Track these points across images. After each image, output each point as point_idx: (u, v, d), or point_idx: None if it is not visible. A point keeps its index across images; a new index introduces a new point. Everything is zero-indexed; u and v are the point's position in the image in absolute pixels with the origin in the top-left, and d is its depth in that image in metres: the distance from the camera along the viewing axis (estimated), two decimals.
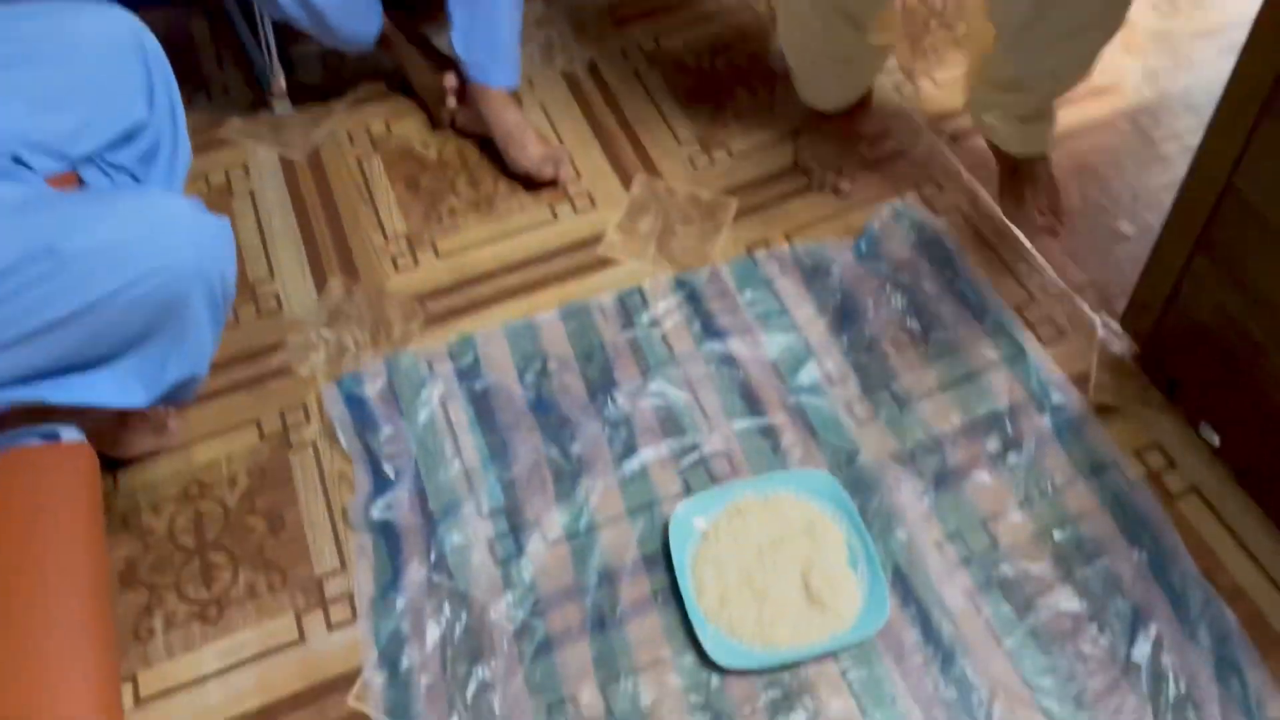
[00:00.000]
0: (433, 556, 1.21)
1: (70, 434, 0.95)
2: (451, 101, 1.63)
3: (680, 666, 1.12)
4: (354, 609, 1.18)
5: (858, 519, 1.20)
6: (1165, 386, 1.31)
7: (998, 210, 1.52)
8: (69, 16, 1.09)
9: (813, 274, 1.46)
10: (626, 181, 1.59)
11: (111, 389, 1.01)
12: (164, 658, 1.15)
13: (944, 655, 1.12)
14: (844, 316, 1.41)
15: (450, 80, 1.61)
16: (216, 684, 1.14)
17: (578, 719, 1.09)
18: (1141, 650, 1.11)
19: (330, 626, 1.17)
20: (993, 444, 1.28)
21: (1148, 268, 1.27)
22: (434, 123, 1.68)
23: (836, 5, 1.34)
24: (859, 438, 1.29)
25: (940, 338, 1.38)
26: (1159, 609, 1.14)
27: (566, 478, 1.27)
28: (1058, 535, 1.20)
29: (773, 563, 1.17)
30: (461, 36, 1.53)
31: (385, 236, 1.54)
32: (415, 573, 1.19)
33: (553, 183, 1.58)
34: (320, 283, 1.48)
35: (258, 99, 1.72)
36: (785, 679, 1.11)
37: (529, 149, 1.56)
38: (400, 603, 1.17)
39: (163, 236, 0.97)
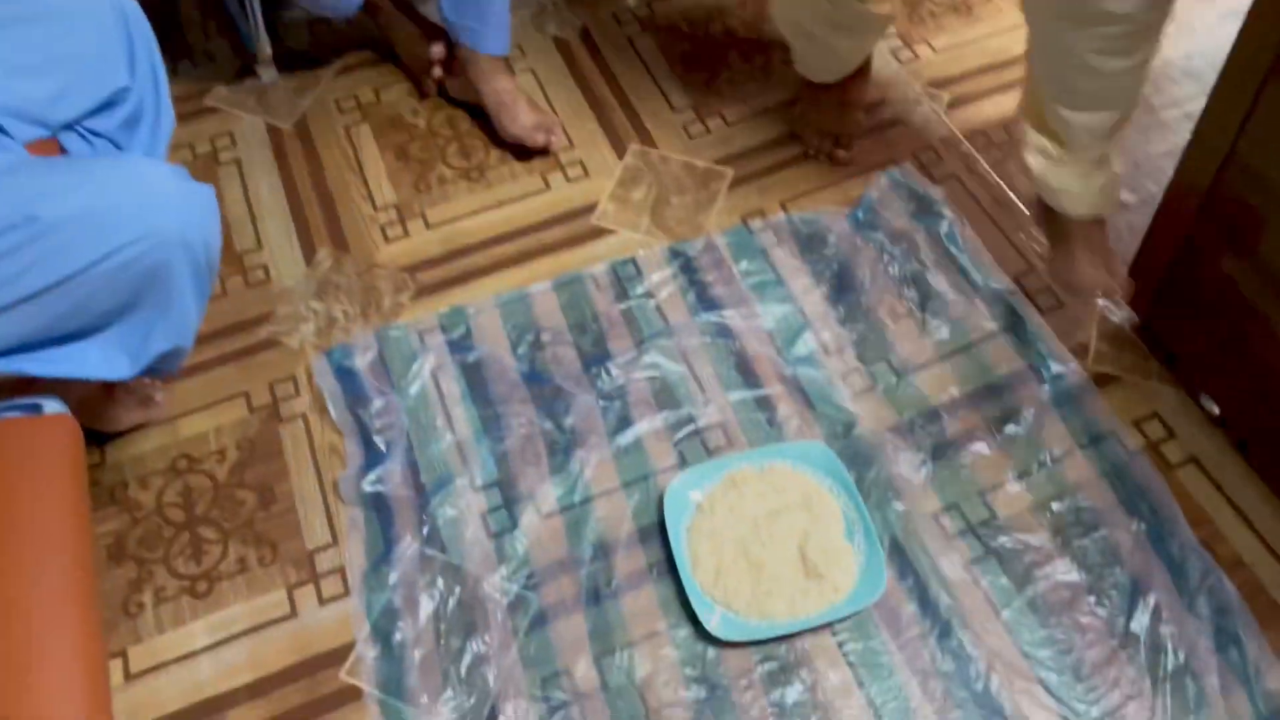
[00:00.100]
0: (425, 530, 1.19)
1: (53, 406, 0.93)
2: (438, 71, 1.60)
3: (676, 639, 1.12)
4: (346, 583, 1.17)
5: (854, 490, 1.19)
6: (1164, 356, 1.30)
7: (996, 177, 1.50)
8: None
9: (809, 243, 1.44)
10: (620, 150, 1.57)
11: (95, 361, 1.00)
12: (154, 633, 1.14)
13: (941, 627, 1.11)
14: (840, 286, 1.39)
15: (437, 50, 1.58)
16: (207, 659, 1.13)
17: (573, 691, 1.09)
18: (1140, 621, 1.11)
19: (322, 601, 1.16)
20: (991, 415, 1.27)
21: (1148, 236, 1.25)
22: (421, 93, 1.65)
23: None
24: (856, 409, 1.28)
25: (938, 308, 1.36)
26: (1158, 579, 1.13)
27: (560, 450, 1.25)
28: (1056, 506, 1.19)
29: (769, 535, 1.16)
30: (451, 1, 1.50)
31: (374, 206, 1.51)
32: (408, 546, 1.18)
33: (545, 151, 1.55)
34: (309, 253, 1.46)
35: (244, 66, 1.69)
36: (782, 651, 1.11)
37: (520, 117, 1.53)
38: (393, 576, 1.16)
39: (145, 204, 0.95)
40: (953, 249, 1.42)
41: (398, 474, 1.23)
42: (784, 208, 1.49)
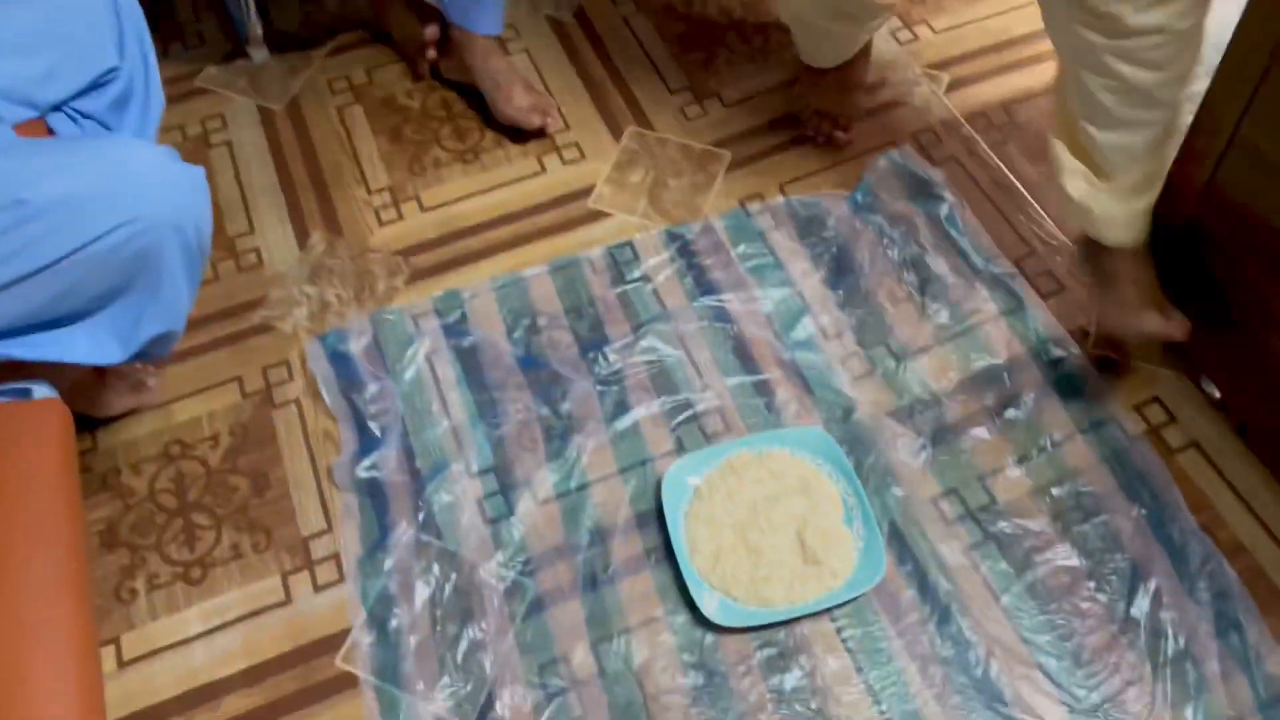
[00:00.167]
0: (421, 516, 1.18)
1: (42, 391, 0.92)
2: (431, 52, 1.58)
3: (673, 625, 1.11)
4: (341, 569, 1.16)
5: (853, 476, 1.18)
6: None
7: (996, 159, 1.48)
8: None
9: (808, 226, 1.42)
10: (616, 132, 1.55)
11: (85, 345, 0.98)
12: (147, 620, 1.13)
13: (940, 612, 1.11)
14: (839, 270, 1.38)
15: (431, 31, 1.56)
16: (201, 646, 1.12)
17: (570, 678, 1.08)
18: (1140, 606, 1.10)
19: (317, 587, 1.15)
20: (990, 399, 1.26)
21: (1152, 220, 1.24)
22: (415, 74, 1.63)
23: None
24: (855, 393, 1.27)
25: (938, 291, 1.35)
26: (1158, 564, 1.13)
27: (557, 436, 1.24)
28: (1056, 491, 1.19)
29: (767, 520, 1.16)
30: None
31: (368, 189, 1.50)
32: (403, 533, 1.17)
33: (540, 133, 1.54)
34: (302, 237, 1.44)
35: (234, 47, 1.66)
36: (780, 637, 1.10)
37: (515, 98, 1.52)
38: (388, 563, 1.15)
39: (134, 186, 0.93)
40: (953, 232, 1.40)
41: (393, 460, 1.22)
42: (782, 190, 1.47)
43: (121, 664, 1.11)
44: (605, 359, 1.30)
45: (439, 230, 1.45)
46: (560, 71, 1.63)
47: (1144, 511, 1.16)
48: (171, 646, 1.12)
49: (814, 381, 1.28)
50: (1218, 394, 1.22)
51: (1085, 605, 1.11)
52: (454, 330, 1.34)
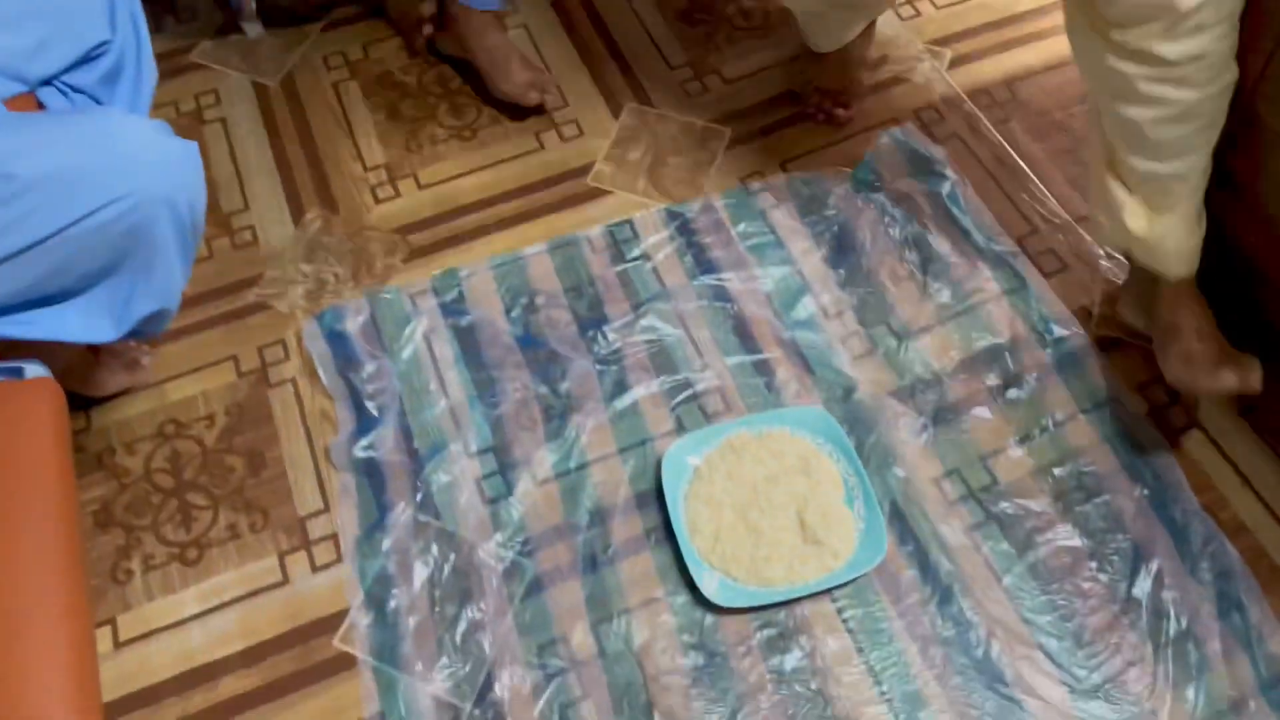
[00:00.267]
0: (419, 496, 1.17)
1: (35, 370, 0.90)
2: (428, 28, 1.56)
3: (674, 605, 1.10)
4: (338, 550, 1.15)
5: (854, 456, 1.17)
6: None
7: (998, 137, 1.47)
8: None
9: (809, 205, 1.41)
10: (616, 109, 1.53)
11: (77, 324, 0.97)
12: (143, 600, 1.13)
13: (942, 593, 1.10)
14: (841, 248, 1.37)
15: (428, 5, 1.54)
16: (198, 626, 1.11)
17: (569, 659, 1.07)
18: (1142, 586, 1.10)
19: (314, 568, 1.14)
20: (992, 379, 1.25)
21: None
22: (411, 50, 1.61)
23: None
24: (856, 373, 1.26)
25: (939, 270, 1.34)
26: (1160, 545, 1.12)
27: (556, 415, 1.23)
28: (1058, 471, 1.18)
29: (768, 500, 1.15)
30: None
31: (364, 166, 1.48)
32: (401, 513, 1.16)
33: (539, 110, 1.52)
34: (297, 215, 1.43)
35: (228, 21, 1.64)
36: (780, 617, 1.10)
37: (514, 75, 1.50)
38: (386, 543, 1.14)
39: (126, 161, 0.92)
40: (955, 210, 1.39)
41: (390, 439, 1.21)
42: (784, 168, 1.46)
43: (117, 645, 1.10)
44: (604, 338, 1.29)
45: (436, 208, 1.43)
46: (559, 47, 1.61)
47: (1146, 492, 1.16)
48: (168, 627, 1.11)
49: (814, 361, 1.27)
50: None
51: (1087, 585, 1.10)
52: (452, 309, 1.32)
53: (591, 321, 1.31)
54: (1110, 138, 1.07)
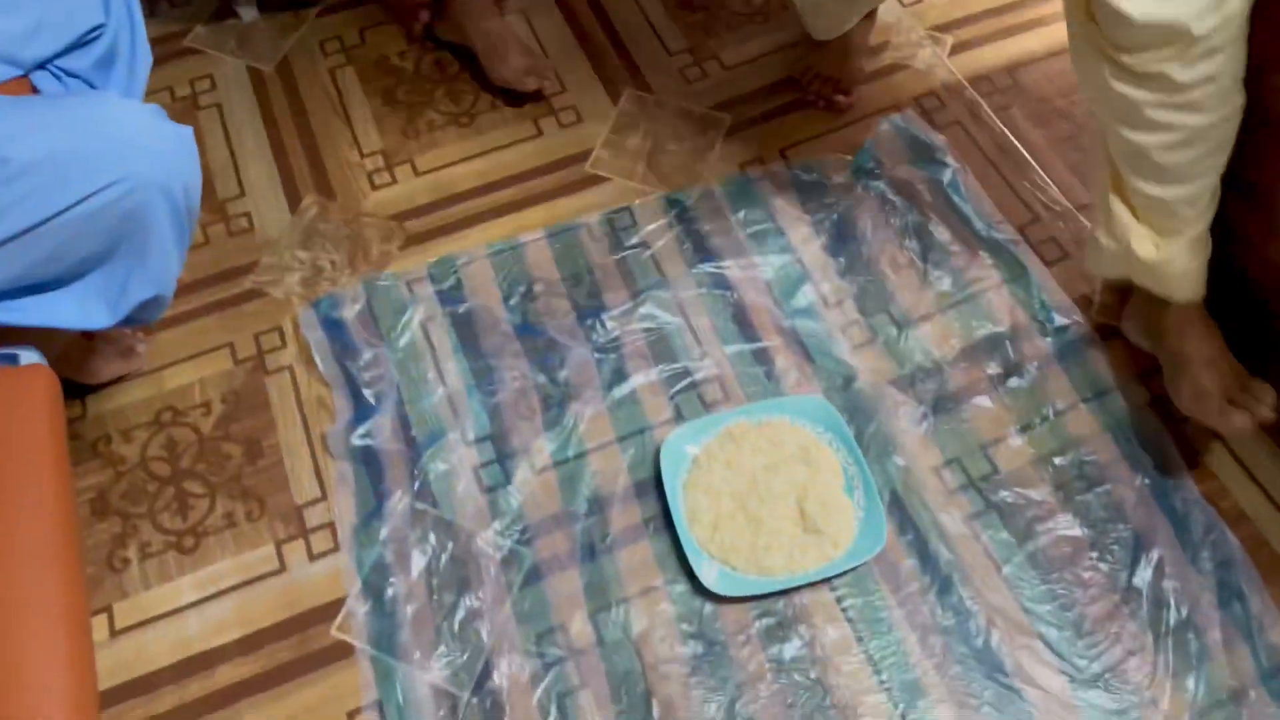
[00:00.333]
0: (416, 485, 1.17)
1: (29, 356, 0.90)
2: (425, 14, 1.54)
3: (672, 594, 1.10)
4: (336, 538, 1.15)
5: (854, 444, 1.17)
6: None
7: (1000, 124, 1.46)
8: None
9: (809, 192, 1.40)
10: (614, 95, 1.52)
11: (72, 310, 0.96)
12: (139, 589, 1.12)
13: (941, 582, 1.10)
14: (841, 236, 1.36)
15: None
16: (195, 615, 1.11)
17: (568, 647, 1.07)
18: (1142, 576, 1.09)
19: (311, 556, 1.14)
20: (993, 367, 1.24)
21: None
22: (408, 35, 1.59)
23: None
24: (856, 361, 1.25)
25: (940, 258, 1.33)
26: (1161, 534, 1.12)
27: (554, 404, 1.23)
28: (1058, 460, 1.17)
29: (767, 489, 1.14)
30: None
31: (361, 153, 1.47)
32: (398, 501, 1.16)
33: (536, 96, 1.51)
34: (294, 201, 1.42)
35: (222, 5, 1.62)
36: (780, 607, 1.09)
37: (511, 60, 1.48)
38: (384, 531, 1.14)
39: (121, 146, 0.91)
40: (955, 198, 1.38)
41: (388, 427, 1.21)
42: (783, 155, 1.45)
43: (114, 633, 1.09)
44: (603, 326, 1.28)
45: (433, 195, 1.42)
46: (557, 32, 1.60)
47: (1147, 481, 1.15)
48: (165, 615, 1.11)
49: (814, 349, 1.26)
50: None
51: (1087, 575, 1.10)
52: (449, 297, 1.32)
53: (590, 309, 1.30)
54: (1116, 160, 1.05)
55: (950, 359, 1.25)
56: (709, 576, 1.09)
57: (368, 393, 1.23)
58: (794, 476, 1.15)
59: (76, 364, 1.20)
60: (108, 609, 1.11)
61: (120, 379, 1.25)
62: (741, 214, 1.38)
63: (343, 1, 1.64)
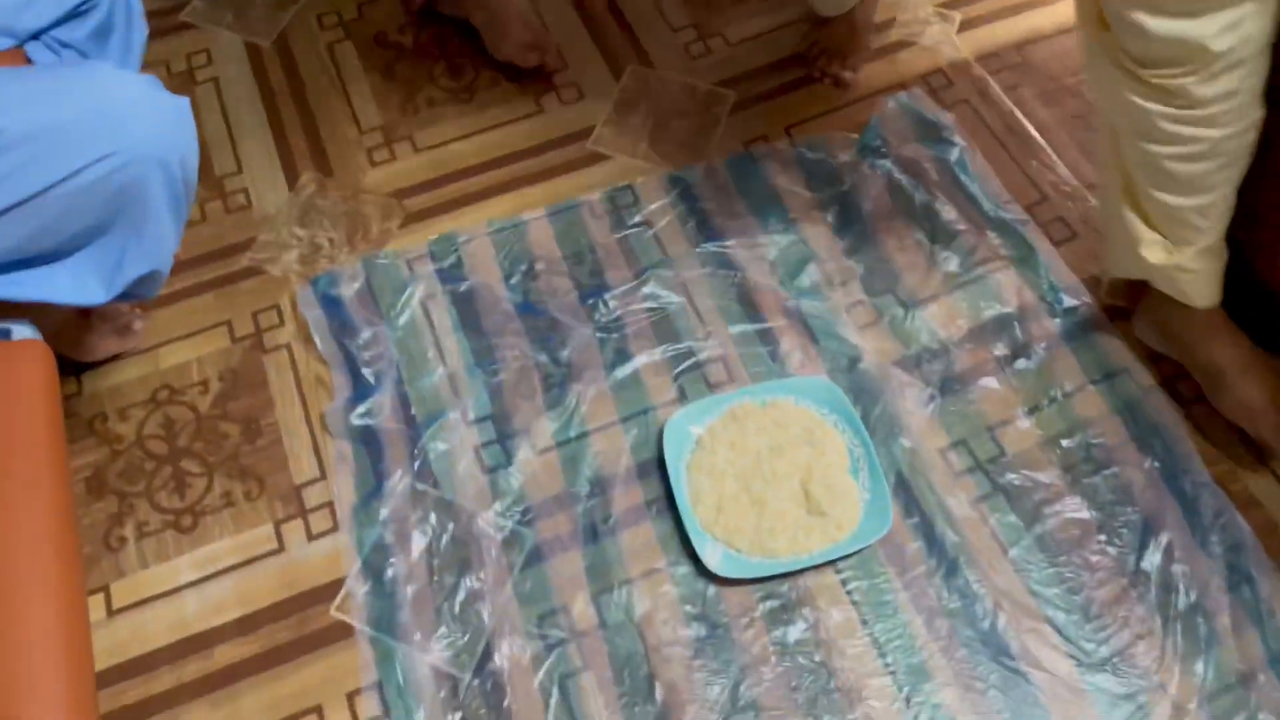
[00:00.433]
0: (417, 464, 1.16)
1: (23, 331, 0.88)
2: None
3: (675, 576, 1.09)
4: (335, 518, 1.13)
5: (860, 426, 1.16)
6: None
7: (1008, 102, 1.44)
8: None
9: (814, 171, 1.38)
10: (617, 71, 1.50)
11: (67, 285, 0.95)
12: (137, 568, 1.11)
13: (948, 565, 1.09)
14: (846, 216, 1.34)
15: None
16: (193, 594, 1.09)
17: (570, 629, 1.06)
18: (1151, 559, 1.08)
19: (310, 536, 1.13)
20: (1000, 348, 1.23)
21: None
22: (407, 9, 1.57)
23: None
24: (861, 342, 1.24)
25: (947, 238, 1.31)
26: (1170, 517, 1.10)
27: (556, 384, 1.21)
28: (1066, 443, 1.16)
29: (771, 470, 1.13)
30: None
31: (360, 129, 1.45)
32: (399, 481, 1.14)
33: (538, 72, 1.49)
34: (291, 178, 1.40)
35: None
36: (784, 589, 1.08)
37: (513, 35, 1.46)
38: (383, 511, 1.13)
39: (117, 117, 0.90)
40: (963, 177, 1.36)
41: (387, 406, 1.19)
42: (788, 133, 1.43)
43: (111, 612, 1.08)
44: (605, 305, 1.27)
45: (433, 172, 1.40)
46: (559, 7, 1.58)
47: (1156, 464, 1.14)
48: (162, 595, 1.09)
49: (819, 330, 1.25)
50: None
51: (1095, 558, 1.09)
52: (449, 275, 1.30)
53: (592, 289, 1.28)
54: (1128, 167, 1.03)
55: (957, 340, 1.24)
56: (712, 559, 1.08)
57: (367, 371, 1.22)
58: (799, 458, 1.14)
59: (72, 341, 1.19)
60: (105, 588, 1.10)
61: (117, 357, 1.24)
62: (746, 193, 1.36)
63: None
